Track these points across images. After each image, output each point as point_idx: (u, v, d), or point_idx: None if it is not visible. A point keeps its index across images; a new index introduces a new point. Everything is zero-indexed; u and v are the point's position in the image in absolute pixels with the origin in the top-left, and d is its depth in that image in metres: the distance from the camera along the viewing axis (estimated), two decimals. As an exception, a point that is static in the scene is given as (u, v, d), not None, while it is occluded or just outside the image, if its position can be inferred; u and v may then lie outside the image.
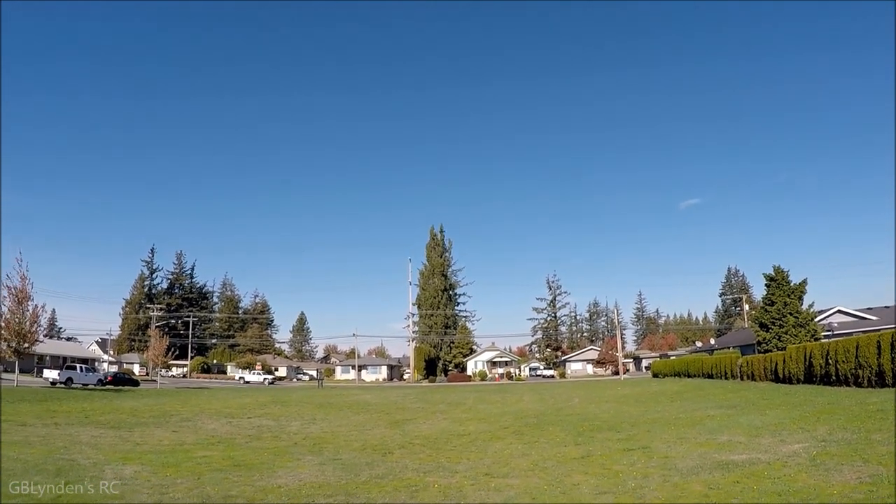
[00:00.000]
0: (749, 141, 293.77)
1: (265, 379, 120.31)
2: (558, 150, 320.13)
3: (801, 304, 63.44)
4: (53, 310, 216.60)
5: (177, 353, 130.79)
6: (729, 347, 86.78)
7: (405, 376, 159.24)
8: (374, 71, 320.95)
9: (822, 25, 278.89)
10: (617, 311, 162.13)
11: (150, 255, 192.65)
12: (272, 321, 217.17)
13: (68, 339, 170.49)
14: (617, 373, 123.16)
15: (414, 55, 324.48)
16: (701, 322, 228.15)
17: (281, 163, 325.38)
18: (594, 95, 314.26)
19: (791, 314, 62.59)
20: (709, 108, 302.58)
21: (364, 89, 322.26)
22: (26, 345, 57.94)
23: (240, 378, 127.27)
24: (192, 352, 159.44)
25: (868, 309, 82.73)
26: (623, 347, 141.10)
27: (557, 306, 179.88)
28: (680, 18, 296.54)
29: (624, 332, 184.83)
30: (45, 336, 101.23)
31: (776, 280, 64.91)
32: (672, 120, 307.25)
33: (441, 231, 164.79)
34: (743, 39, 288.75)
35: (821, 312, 75.05)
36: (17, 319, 57.00)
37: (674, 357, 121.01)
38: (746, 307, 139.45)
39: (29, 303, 58.08)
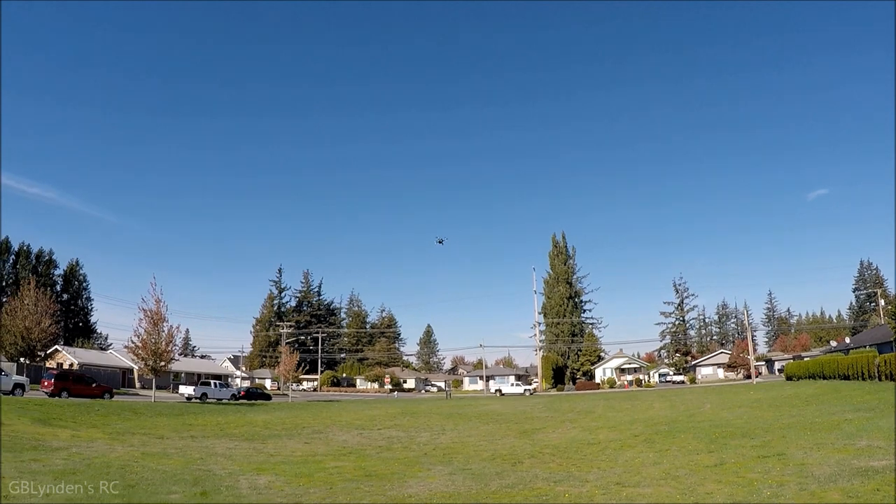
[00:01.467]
0: (875, 129, 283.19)
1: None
2: (679, 152, 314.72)
3: (940, 296, 60.69)
4: (187, 330, 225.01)
5: (307, 367, 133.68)
6: (865, 346, 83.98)
7: (533, 385, 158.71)
8: (515, 79, 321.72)
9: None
10: (746, 312, 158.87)
11: (278, 276, 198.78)
12: (399, 334, 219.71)
13: (202, 356, 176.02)
14: (748, 376, 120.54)
15: (557, 61, 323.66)
16: (835, 320, 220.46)
17: (394, 179, 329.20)
18: (713, 96, 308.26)
19: (931, 308, 60.00)
20: (834, 100, 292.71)
21: (503, 100, 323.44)
22: (162, 363, 60.53)
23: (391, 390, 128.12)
24: (321, 366, 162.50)
25: None
26: (754, 350, 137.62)
27: (685, 310, 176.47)
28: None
29: (754, 333, 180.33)
30: (180, 354, 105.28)
31: (913, 273, 62.32)
32: (797, 113, 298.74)
33: (563, 238, 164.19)
34: (869, 36, 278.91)
35: (962, 303, 71.88)
36: (153, 340, 59.52)
37: (807, 358, 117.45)
38: (882, 302, 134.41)
39: (164, 324, 60.81)
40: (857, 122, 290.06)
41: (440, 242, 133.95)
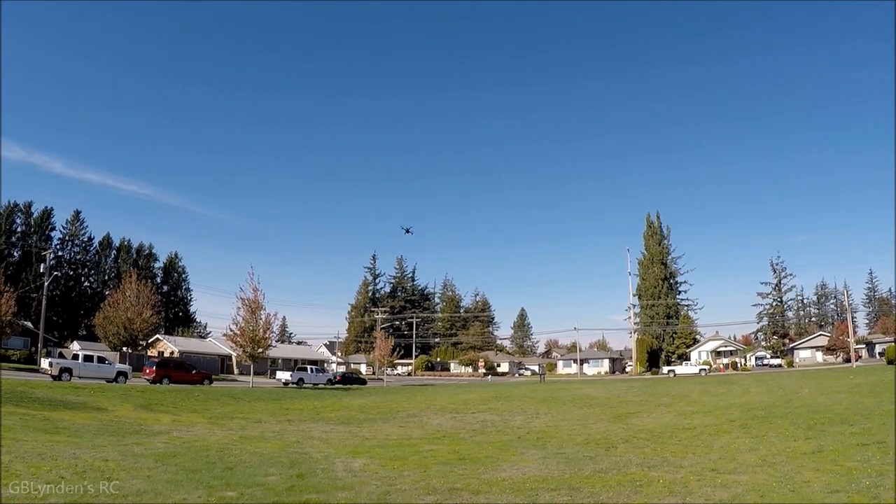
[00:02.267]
0: None
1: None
2: (773, 127, 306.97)
3: None
4: (284, 317, 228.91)
5: (401, 352, 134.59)
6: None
7: (627, 369, 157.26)
8: (593, 55, 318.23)
9: None
10: (846, 292, 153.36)
11: (373, 262, 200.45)
12: (493, 318, 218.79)
13: (299, 343, 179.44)
14: (848, 360, 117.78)
15: (648, 31, 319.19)
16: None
17: (488, 159, 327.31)
18: (814, 67, 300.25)
19: None
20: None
21: (586, 73, 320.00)
22: (260, 350, 61.86)
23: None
24: (415, 351, 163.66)
25: None
26: (854, 332, 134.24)
27: (783, 290, 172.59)
28: None
29: (855, 315, 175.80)
30: (277, 341, 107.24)
31: None
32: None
33: (658, 218, 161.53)
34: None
35: None
36: (251, 327, 60.85)
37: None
38: None
39: (261, 312, 62.11)
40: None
41: (407, 232, 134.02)
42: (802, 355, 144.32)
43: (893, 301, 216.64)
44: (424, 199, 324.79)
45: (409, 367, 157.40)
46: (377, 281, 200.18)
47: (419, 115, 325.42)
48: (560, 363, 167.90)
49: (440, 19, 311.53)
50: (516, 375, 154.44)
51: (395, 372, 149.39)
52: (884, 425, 22.81)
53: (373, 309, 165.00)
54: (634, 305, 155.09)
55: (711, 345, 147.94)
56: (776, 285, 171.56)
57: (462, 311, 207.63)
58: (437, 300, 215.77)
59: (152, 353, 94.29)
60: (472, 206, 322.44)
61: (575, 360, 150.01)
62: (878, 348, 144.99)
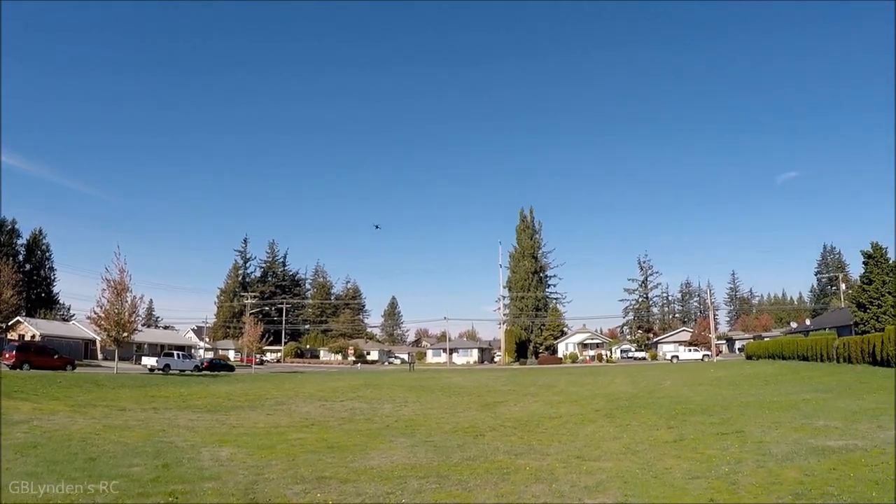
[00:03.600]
0: (852, 111, 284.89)
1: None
2: (648, 124, 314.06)
3: (902, 283, 61.79)
4: (151, 300, 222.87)
5: (271, 338, 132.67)
6: (825, 328, 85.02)
7: (496, 359, 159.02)
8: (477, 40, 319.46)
9: None
10: (709, 291, 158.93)
11: (244, 245, 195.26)
12: (364, 306, 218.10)
13: (165, 327, 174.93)
14: (709, 355, 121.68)
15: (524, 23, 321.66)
16: (796, 302, 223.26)
17: (362, 144, 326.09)
18: (684, 67, 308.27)
19: (890, 293, 60.97)
20: (812, 74, 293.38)
21: (466, 62, 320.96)
22: (125, 334, 60.01)
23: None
24: (285, 337, 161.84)
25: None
26: (716, 329, 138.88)
27: (649, 287, 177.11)
28: None
29: (716, 312, 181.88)
30: (144, 325, 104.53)
31: (874, 258, 63.40)
32: (771, 87, 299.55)
33: (531, 213, 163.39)
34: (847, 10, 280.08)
35: (924, 291, 73.05)
36: (116, 310, 58.99)
37: (768, 339, 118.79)
38: (843, 286, 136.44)
39: (127, 294, 60.25)
40: (841, 110, 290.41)
41: (377, 228, 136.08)
42: (666, 349, 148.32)
43: (753, 301, 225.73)
44: (295, 181, 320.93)
45: (279, 354, 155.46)
46: (248, 265, 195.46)
47: (296, 95, 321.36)
48: (430, 352, 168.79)
49: None
50: (386, 364, 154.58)
51: (265, 359, 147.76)
52: (742, 416, 23.66)
53: (243, 294, 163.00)
54: (504, 297, 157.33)
55: (578, 337, 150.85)
56: (643, 282, 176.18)
57: (333, 297, 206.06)
58: (308, 286, 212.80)
59: (12, 336, 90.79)
60: (345, 192, 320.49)
61: (444, 350, 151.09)
62: (737, 344, 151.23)
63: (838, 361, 54.00)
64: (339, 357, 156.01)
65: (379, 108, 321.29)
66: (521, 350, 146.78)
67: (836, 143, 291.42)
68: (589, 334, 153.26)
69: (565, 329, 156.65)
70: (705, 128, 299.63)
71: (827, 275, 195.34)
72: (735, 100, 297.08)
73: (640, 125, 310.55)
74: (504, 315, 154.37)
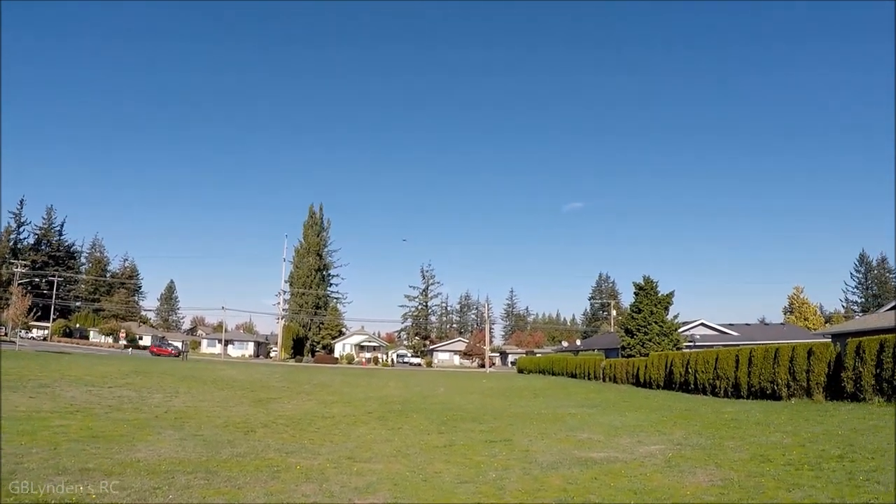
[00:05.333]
0: (643, 149, 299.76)
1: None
2: (450, 145, 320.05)
3: (667, 314, 66.02)
4: None
5: (39, 313, 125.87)
6: (594, 350, 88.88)
7: (272, 354, 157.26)
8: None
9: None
10: (487, 305, 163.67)
11: (19, 207, 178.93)
12: (140, 288, 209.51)
13: None
14: (483, 365, 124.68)
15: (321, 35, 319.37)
16: (569, 323, 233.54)
17: (168, 118, 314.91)
18: (493, 95, 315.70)
19: (656, 323, 64.76)
20: (610, 114, 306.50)
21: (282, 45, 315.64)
22: None
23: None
24: (54, 314, 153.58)
25: (730, 325, 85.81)
26: (491, 341, 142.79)
27: (430, 296, 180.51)
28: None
29: (493, 326, 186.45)
30: None
31: (645, 289, 67.24)
32: (566, 123, 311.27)
33: (321, 210, 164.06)
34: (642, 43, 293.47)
35: (685, 324, 77.72)
36: None
37: (540, 355, 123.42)
38: (614, 312, 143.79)
39: None
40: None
41: (404, 241, 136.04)
42: (441, 357, 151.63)
43: (529, 319, 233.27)
44: (80, 146, 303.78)
45: (46, 332, 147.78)
46: (22, 229, 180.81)
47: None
48: (205, 342, 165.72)
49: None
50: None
51: (30, 335, 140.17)
52: (510, 426, 24.29)
53: (12, 261, 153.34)
54: (285, 292, 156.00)
55: (356, 339, 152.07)
56: (424, 290, 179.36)
57: (108, 275, 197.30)
58: (83, 260, 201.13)
59: None
60: (125, 161, 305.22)
61: (220, 341, 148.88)
62: (510, 358, 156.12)
63: (605, 381, 56.56)
64: (111, 340, 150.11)
65: (187, 79, 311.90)
66: (298, 347, 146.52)
67: (619, 181, 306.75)
68: (367, 336, 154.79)
69: (344, 329, 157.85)
70: (497, 158, 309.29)
71: (600, 301, 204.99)
72: (529, 141, 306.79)
73: (444, 146, 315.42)
74: (284, 310, 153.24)
